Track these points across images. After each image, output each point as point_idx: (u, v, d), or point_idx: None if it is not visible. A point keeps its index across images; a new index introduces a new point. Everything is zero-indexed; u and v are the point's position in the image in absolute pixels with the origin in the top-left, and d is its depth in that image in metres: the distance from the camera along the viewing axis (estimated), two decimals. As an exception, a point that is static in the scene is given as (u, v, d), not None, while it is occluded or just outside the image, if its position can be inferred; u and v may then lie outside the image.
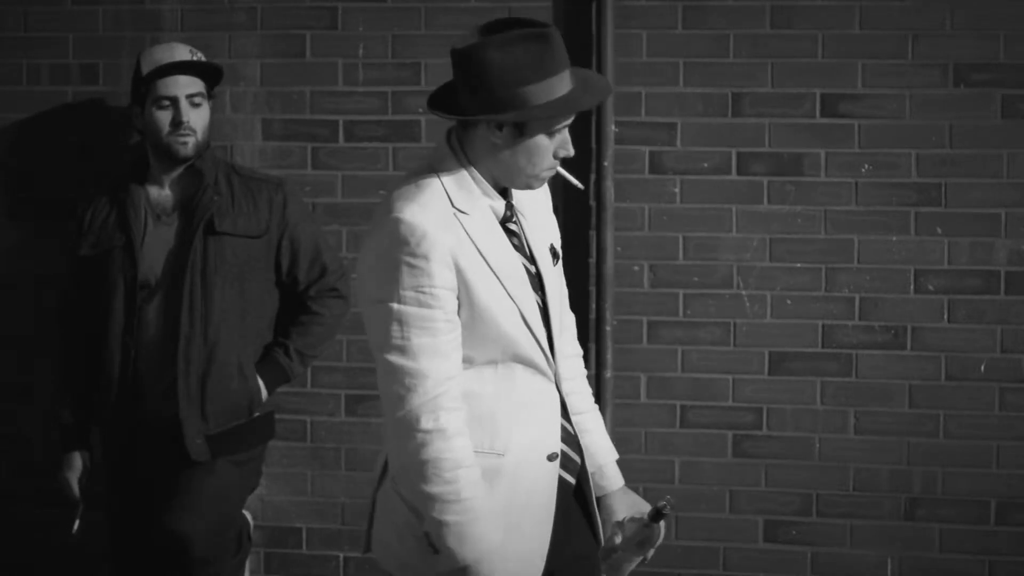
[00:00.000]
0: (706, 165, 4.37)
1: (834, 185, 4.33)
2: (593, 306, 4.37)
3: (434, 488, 2.71)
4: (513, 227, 2.90)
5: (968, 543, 4.32)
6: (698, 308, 4.39)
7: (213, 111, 4.17)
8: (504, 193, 2.89)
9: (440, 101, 2.87)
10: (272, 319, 4.12)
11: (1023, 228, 4.27)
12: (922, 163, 4.30)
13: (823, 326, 4.35)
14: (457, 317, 2.76)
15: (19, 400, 4.64)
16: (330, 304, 4.14)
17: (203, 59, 4.12)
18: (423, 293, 2.72)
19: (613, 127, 4.35)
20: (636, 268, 4.41)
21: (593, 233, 4.39)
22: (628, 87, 4.36)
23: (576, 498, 3.02)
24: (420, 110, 4.47)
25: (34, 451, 4.59)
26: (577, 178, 3.62)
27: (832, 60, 4.31)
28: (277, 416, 4.27)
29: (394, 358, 2.73)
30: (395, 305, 2.72)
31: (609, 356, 4.36)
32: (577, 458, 2.98)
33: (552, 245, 2.98)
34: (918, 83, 4.28)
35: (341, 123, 4.53)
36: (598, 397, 4.04)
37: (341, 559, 4.59)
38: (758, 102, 4.34)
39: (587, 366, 3.30)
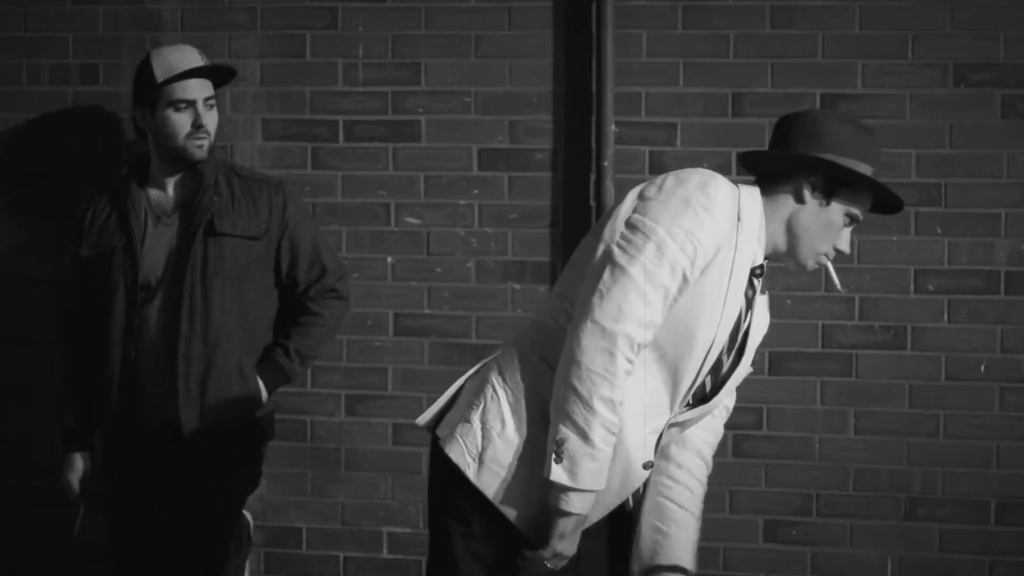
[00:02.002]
0: (706, 165, 4.37)
1: (834, 185, 4.33)
2: (593, 306, 4.37)
3: (591, 393, 2.72)
4: (756, 283, 2.93)
5: (968, 543, 4.32)
6: (698, 308, 4.38)
7: (213, 112, 4.17)
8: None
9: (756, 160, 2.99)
10: (272, 320, 4.11)
11: (1023, 228, 4.27)
12: (922, 163, 4.30)
13: (823, 326, 4.35)
14: (687, 285, 2.78)
15: (19, 400, 4.64)
16: (330, 305, 4.14)
17: (208, 62, 4.12)
18: (689, 241, 2.76)
19: (613, 127, 4.35)
20: (636, 268, 4.40)
21: (593, 233, 4.39)
22: (628, 87, 4.36)
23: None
24: (420, 110, 4.47)
25: (34, 451, 4.59)
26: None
27: (832, 60, 4.31)
28: (277, 416, 4.27)
29: (637, 273, 2.74)
30: (664, 234, 2.76)
31: (609, 356, 4.35)
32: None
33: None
34: (918, 83, 4.28)
35: (341, 123, 4.53)
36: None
37: (341, 559, 4.59)
38: (758, 102, 4.34)
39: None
